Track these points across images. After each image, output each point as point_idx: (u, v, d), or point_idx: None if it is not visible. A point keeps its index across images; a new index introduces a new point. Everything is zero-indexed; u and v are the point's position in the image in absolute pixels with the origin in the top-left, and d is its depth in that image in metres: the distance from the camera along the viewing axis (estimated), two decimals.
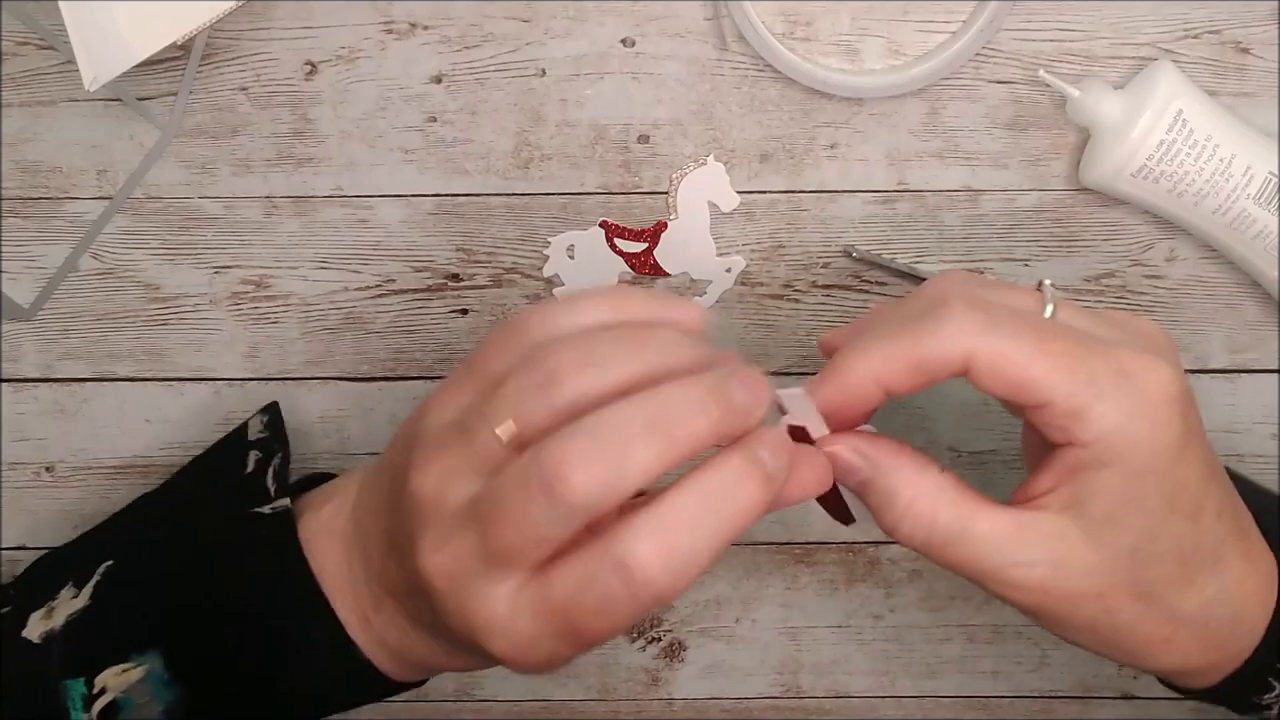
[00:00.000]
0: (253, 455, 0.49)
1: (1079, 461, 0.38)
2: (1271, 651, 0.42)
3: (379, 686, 0.45)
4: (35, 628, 0.47)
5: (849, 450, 0.40)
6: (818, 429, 0.40)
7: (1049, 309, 0.39)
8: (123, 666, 0.45)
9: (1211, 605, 0.40)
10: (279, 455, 0.49)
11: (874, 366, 0.38)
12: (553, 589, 0.36)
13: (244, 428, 0.51)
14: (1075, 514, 0.38)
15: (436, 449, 0.38)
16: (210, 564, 0.46)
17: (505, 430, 0.37)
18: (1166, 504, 0.38)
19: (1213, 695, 0.44)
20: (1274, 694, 0.43)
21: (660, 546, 0.35)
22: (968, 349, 0.37)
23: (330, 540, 0.45)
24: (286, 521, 0.46)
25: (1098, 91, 0.49)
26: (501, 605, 0.37)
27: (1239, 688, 0.43)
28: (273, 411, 0.52)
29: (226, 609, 0.45)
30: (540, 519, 0.35)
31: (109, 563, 0.48)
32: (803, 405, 0.39)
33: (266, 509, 0.46)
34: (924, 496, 0.39)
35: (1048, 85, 0.50)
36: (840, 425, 0.40)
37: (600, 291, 0.39)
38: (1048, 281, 0.40)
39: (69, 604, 0.47)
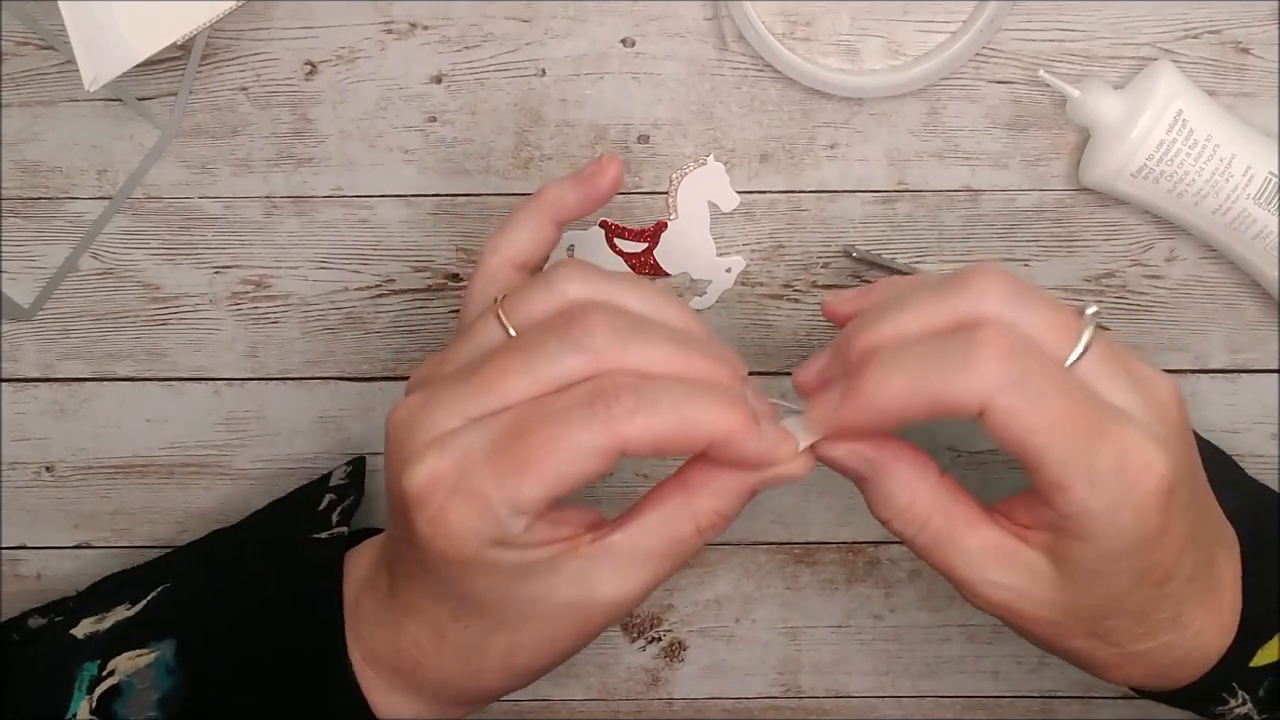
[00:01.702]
0: (328, 497, 0.51)
1: (1059, 524, 0.38)
2: (1227, 674, 0.43)
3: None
4: (83, 629, 0.48)
5: (851, 455, 0.40)
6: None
7: (1079, 349, 0.38)
8: (138, 651, 0.46)
9: (1164, 649, 0.42)
10: (351, 498, 0.50)
11: (895, 402, 0.37)
12: (505, 411, 0.37)
13: (328, 475, 0.53)
14: (1050, 559, 0.39)
15: (431, 359, 0.41)
16: (258, 579, 0.47)
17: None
18: (1137, 579, 0.39)
19: (1169, 700, 0.45)
20: (1228, 706, 0.44)
21: (635, 383, 0.36)
22: (987, 401, 0.36)
23: (363, 553, 0.46)
24: (338, 545, 0.47)
25: (1098, 91, 0.49)
26: (453, 421, 0.37)
27: (1192, 700, 0.44)
28: (357, 464, 0.54)
29: (252, 612, 0.46)
30: (552, 349, 0.36)
31: (166, 585, 0.49)
32: (799, 427, 0.40)
33: (324, 534, 0.48)
34: (920, 502, 0.40)
35: (1048, 85, 0.50)
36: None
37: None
38: (1091, 309, 0.39)
39: (120, 614, 0.48)
